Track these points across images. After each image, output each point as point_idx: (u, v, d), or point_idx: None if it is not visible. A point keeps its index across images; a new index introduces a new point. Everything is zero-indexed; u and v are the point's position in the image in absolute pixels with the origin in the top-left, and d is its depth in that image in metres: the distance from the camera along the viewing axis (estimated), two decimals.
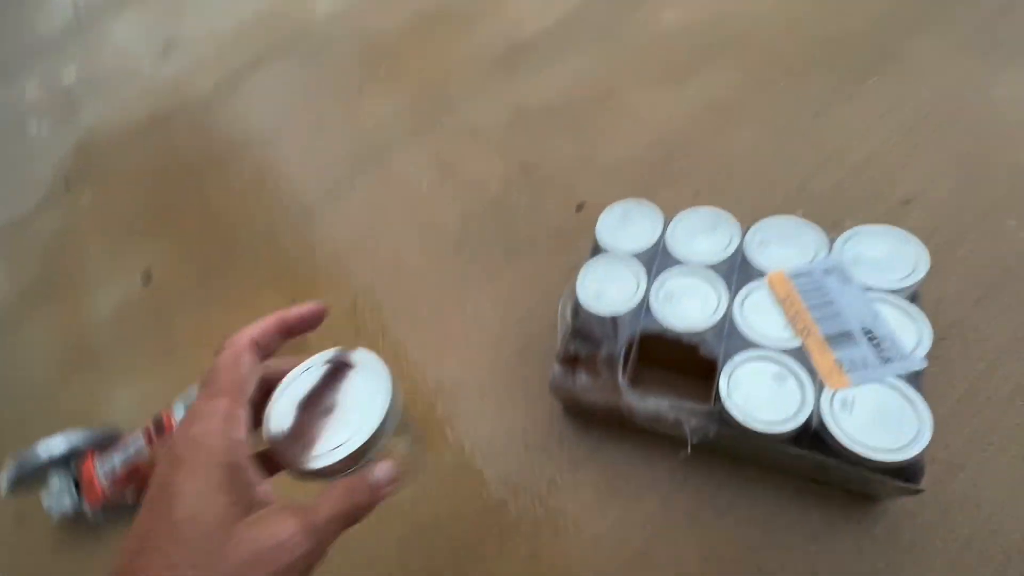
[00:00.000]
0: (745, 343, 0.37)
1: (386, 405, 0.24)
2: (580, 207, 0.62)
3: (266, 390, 0.26)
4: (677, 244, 0.43)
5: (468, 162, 0.73)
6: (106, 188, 1.01)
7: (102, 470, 0.52)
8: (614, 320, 0.41)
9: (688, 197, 0.58)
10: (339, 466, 0.23)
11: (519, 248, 0.62)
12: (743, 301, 0.39)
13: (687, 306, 0.40)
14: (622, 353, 0.40)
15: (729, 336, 0.38)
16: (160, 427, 0.53)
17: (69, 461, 0.54)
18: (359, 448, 0.23)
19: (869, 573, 0.36)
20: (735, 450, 0.40)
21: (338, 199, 0.76)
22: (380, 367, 0.26)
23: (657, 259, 0.44)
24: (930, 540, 0.36)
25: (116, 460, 0.52)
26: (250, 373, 0.24)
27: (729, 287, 0.40)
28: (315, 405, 0.25)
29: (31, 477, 0.52)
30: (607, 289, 0.43)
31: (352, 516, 0.23)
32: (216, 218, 0.84)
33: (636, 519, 0.42)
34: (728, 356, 0.37)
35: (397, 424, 0.25)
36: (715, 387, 0.36)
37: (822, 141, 0.58)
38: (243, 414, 0.23)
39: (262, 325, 0.26)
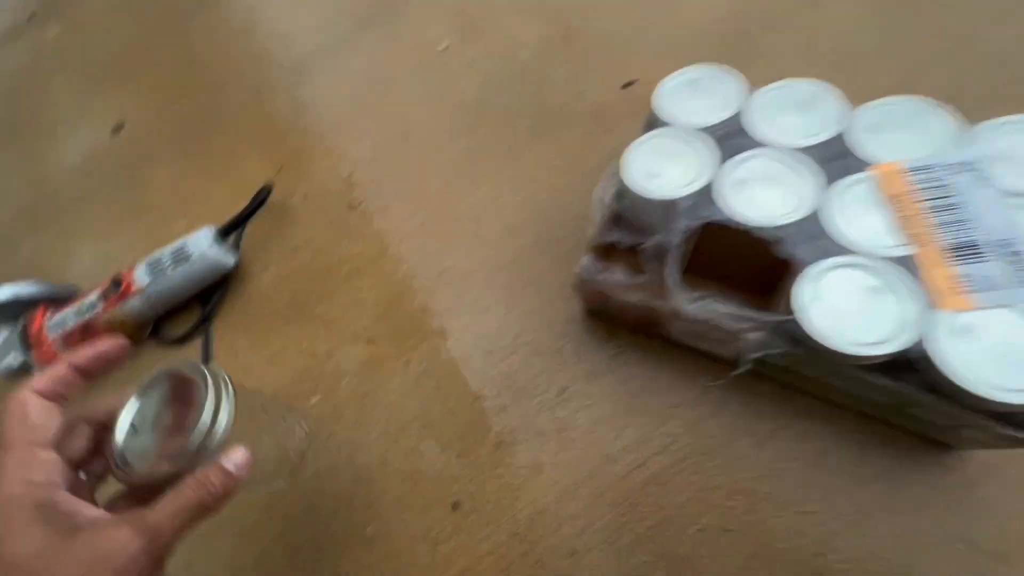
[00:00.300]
0: (836, 246, 0.29)
1: (211, 408, 0.26)
2: (628, 84, 0.51)
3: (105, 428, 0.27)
4: (761, 121, 0.34)
5: (498, 22, 0.61)
6: (77, 24, 0.88)
7: (52, 325, 0.46)
8: (669, 206, 0.33)
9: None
10: (168, 469, 0.25)
11: (548, 125, 0.52)
12: (840, 195, 0.31)
13: (765, 196, 0.32)
14: (675, 246, 0.32)
15: (816, 237, 0.30)
16: (118, 285, 0.46)
17: (18, 315, 0.47)
18: (185, 450, 0.25)
19: (930, 528, 0.31)
20: (792, 375, 0.34)
21: (339, 56, 0.65)
22: (207, 373, 0.27)
23: (732, 138, 0.34)
24: (1011, 500, 0.31)
25: (69, 316, 0.46)
26: (44, 418, 0.25)
27: (823, 177, 0.31)
28: (154, 425, 0.27)
29: None
30: (664, 169, 0.34)
31: (197, 509, 0.24)
32: (199, 69, 0.72)
33: (657, 442, 0.36)
34: (812, 261, 0.29)
35: (231, 424, 0.26)
36: (788, 296, 0.29)
37: (955, 13, 0.47)
38: (43, 457, 0.24)
39: (50, 373, 0.26)
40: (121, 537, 0.22)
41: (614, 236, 0.35)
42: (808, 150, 0.33)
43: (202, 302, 0.51)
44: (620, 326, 0.40)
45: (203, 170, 0.62)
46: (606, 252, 0.35)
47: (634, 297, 0.34)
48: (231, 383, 0.28)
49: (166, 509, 0.24)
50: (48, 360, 0.46)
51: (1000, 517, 0.31)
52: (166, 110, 0.70)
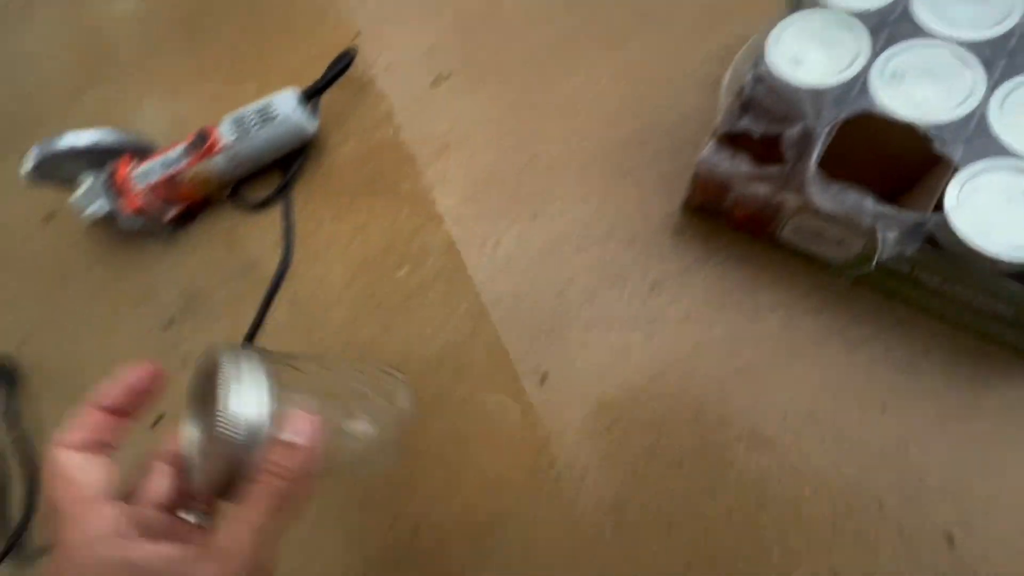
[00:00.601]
0: (995, 147, 0.28)
1: (227, 388, 0.21)
2: None
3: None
4: (926, 7, 0.32)
5: None
6: None
7: (138, 175, 0.45)
8: (816, 95, 0.31)
9: None
10: (223, 472, 0.21)
11: (655, 13, 0.48)
12: (1007, 96, 0.29)
13: (924, 91, 0.30)
14: (820, 137, 0.30)
15: (974, 137, 0.29)
16: (203, 140, 0.45)
17: (101, 163, 0.47)
18: (227, 455, 0.21)
19: (1014, 439, 0.32)
20: (901, 282, 0.34)
21: None
22: (221, 351, 0.23)
23: (890, 25, 0.32)
24: None
25: (155, 167, 0.46)
26: (85, 471, 0.22)
27: (990, 74, 0.30)
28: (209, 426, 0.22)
29: (56, 166, 0.46)
30: (811, 54, 0.32)
31: (271, 507, 0.21)
32: None
33: (749, 336, 0.37)
34: (967, 162, 0.28)
35: (272, 397, 0.22)
36: (932, 196, 0.28)
37: None
38: (98, 511, 0.21)
39: (77, 423, 0.23)
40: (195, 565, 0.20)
41: (744, 124, 0.33)
42: (976, 44, 0.30)
43: (282, 169, 0.50)
44: (723, 223, 0.39)
45: (272, 29, 0.58)
46: (731, 141, 0.34)
47: (758, 190, 0.33)
48: (264, 354, 0.24)
49: (235, 522, 0.21)
50: (135, 209, 0.46)
51: None
52: None
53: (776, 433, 0.35)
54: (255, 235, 0.49)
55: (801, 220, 0.34)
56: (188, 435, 0.24)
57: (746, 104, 0.34)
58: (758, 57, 0.33)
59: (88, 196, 0.46)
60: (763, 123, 0.33)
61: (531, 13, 0.51)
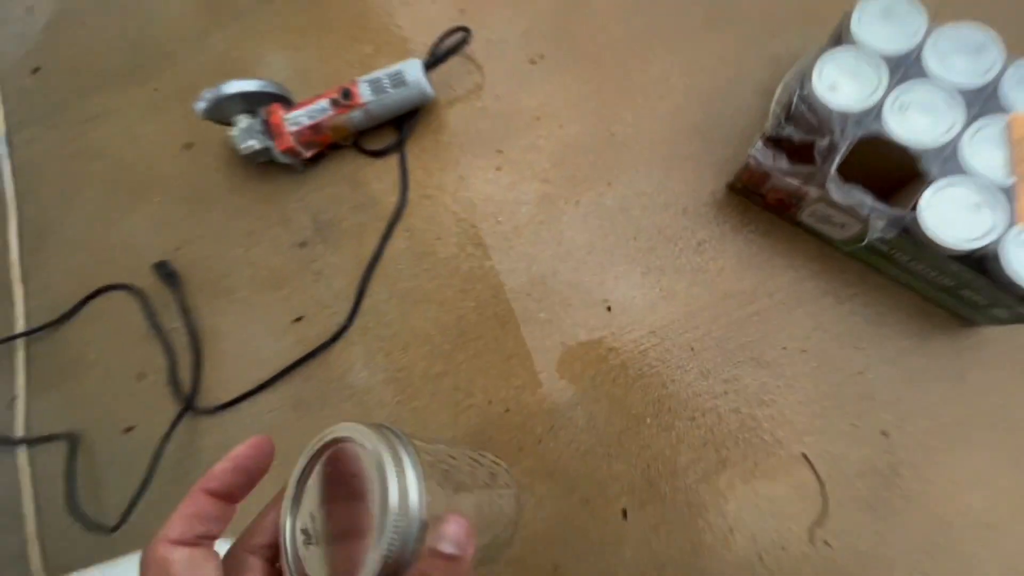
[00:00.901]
0: (959, 169, 0.41)
1: (395, 487, 0.20)
2: None
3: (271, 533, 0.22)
4: (934, 58, 0.43)
5: None
6: None
7: (289, 119, 0.56)
8: (844, 116, 0.43)
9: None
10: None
11: (721, 19, 0.58)
12: (977, 131, 0.41)
13: (919, 122, 0.42)
14: (842, 148, 0.42)
15: (948, 159, 0.41)
16: (347, 96, 0.55)
17: (252, 107, 0.57)
18: (392, 551, 0.19)
19: (943, 371, 0.47)
20: (880, 258, 0.47)
21: None
22: (374, 435, 0.21)
23: (905, 66, 0.43)
24: (1002, 361, 0.46)
25: (302, 115, 0.56)
26: (193, 571, 0.20)
27: (969, 113, 0.41)
28: (327, 519, 0.21)
29: (220, 107, 0.56)
30: (844, 84, 0.43)
31: None
32: None
33: (767, 288, 0.50)
34: (939, 177, 0.41)
35: (424, 495, 0.20)
36: (912, 198, 0.41)
37: None
38: None
39: (183, 514, 0.21)
40: None
41: (787, 132, 0.45)
42: (965, 90, 0.42)
43: (397, 124, 0.60)
44: (757, 203, 0.52)
45: (385, 4, 0.66)
46: (775, 142, 0.46)
47: (791, 182, 0.45)
48: (406, 438, 0.22)
49: None
50: (286, 149, 0.56)
51: (986, 367, 0.46)
52: None
53: (774, 359, 0.49)
54: (374, 177, 0.60)
55: (817, 207, 0.46)
56: (292, 527, 0.22)
57: (790, 116, 0.45)
58: (804, 79, 0.44)
59: (245, 134, 0.56)
60: (801, 132, 0.44)
61: (617, 7, 0.60)
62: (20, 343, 0.61)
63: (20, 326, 0.62)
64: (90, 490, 0.56)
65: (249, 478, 0.23)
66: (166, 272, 0.60)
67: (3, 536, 0.56)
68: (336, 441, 0.22)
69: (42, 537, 0.56)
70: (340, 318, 0.56)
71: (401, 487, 0.20)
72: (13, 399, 0.60)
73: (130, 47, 0.71)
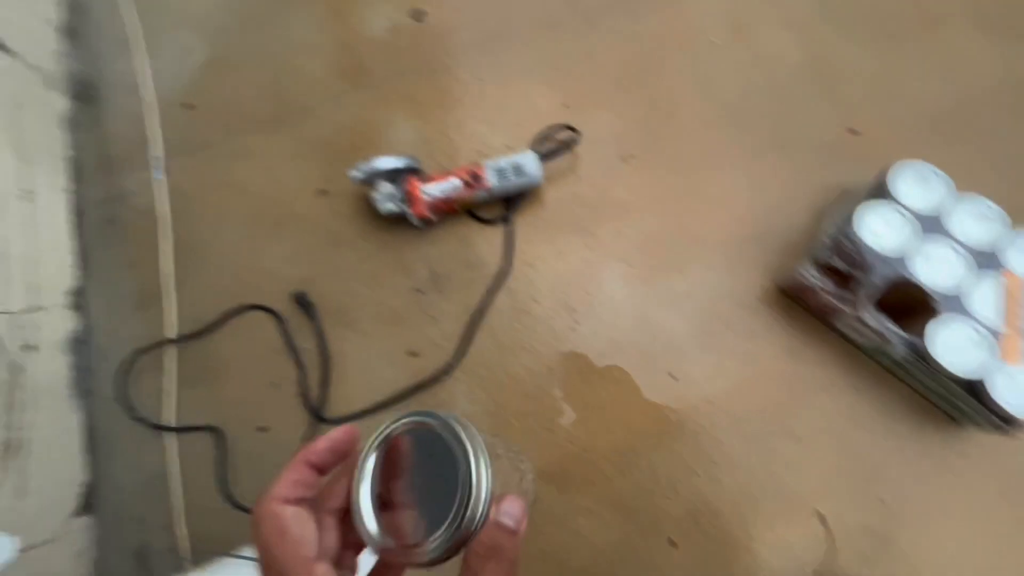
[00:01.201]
0: (965, 311, 0.53)
1: (475, 467, 0.23)
2: (854, 132, 0.69)
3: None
4: (953, 220, 0.55)
5: (767, 32, 0.75)
6: None
7: (425, 192, 0.68)
8: (882, 258, 0.55)
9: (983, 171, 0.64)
10: (456, 544, 0.23)
11: (784, 145, 0.70)
12: (981, 282, 0.54)
13: (939, 270, 0.54)
14: (878, 284, 0.55)
15: (956, 302, 0.54)
16: (477, 180, 0.67)
17: (396, 177, 0.69)
18: (466, 520, 0.23)
19: (941, 464, 0.60)
20: (891, 363, 0.60)
21: (624, 13, 0.78)
22: (445, 422, 0.25)
23: (933, 223, 0.56)
24: (998, 465, 0.59)
25: (437, 189, 0.68)
26: (303, 528, 0.23)
27: (980, 271, 0.54)
28: (399, 488, 0.25)
29: (370, 179, 0.68)
30: (883, 231, 0.56)
31: (512, 570, 0.23)
32: None
33: (802, 375, 0.63)
34: (946, 313, 0.53)
35: (490, 472, 0.24)
36: (924, 328, 0.53)
37: None
38: (322, 573, 0.23)
39: (289, 478, 0.25)
40: None
41: (836, 262, 0.57)
42: (976, 250, 0.55)
43: (505, 199, 0.73)
44: (801, 306, 0.64)
45: (496, 81, 0.78)
46: (825, 268, 0.58)
47: (832, 299, 0.58)
48: (472, 426, 0.25)
49: None
50: (420, 215, 0.69)
51: (969, 461, 0.59)
52: (467, 9, 0.82)
53: (803, 433, 0.62)
54: (484, 241, 0.73)
55: (851, 321, 0.59)
56: (368, 492, 0.25)
57: (837, 249, 0.58)
58: (850, 220, 0.57)
59: (385, 198, 0.69)
60: (846, 265, 0.57)
61: (698, 122, 0.73)
62: (173, 347, 0.74)
63: (172, 328, 0.74)
64: (231, 475, 0.68)
65: (338, 457, 0.26)
66: (304, 302, 0.72)
67: (155, 505, 0.69)
68: (410, 424, 0.25)
69: (188, 511, 0.68)
70: (448, 357, 0.69)
71: (476, 466, 0.23)
72: (162, 393, 0.72)
73: (275, 98, 0.83)
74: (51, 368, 0.71)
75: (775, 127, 0.71)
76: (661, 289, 0.68)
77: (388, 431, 0.26)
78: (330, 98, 0.82)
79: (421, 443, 0.25)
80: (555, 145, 0.71)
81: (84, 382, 0.73)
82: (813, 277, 0.58)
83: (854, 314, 0.57)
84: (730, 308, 0.66)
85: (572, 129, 0.71)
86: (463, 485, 0.23)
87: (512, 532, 0.23)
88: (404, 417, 0.26)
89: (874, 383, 0.62)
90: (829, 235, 0.59)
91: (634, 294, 0.68)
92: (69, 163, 0.81)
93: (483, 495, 0.23)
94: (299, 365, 0.71)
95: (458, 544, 0.23)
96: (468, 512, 0.23)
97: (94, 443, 0.72)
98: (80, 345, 0.74)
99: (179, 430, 0.71)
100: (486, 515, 0.23)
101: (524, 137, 0.75)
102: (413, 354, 0.70)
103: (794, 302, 0.65)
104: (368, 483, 0.25)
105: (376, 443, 0.26)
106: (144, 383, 0.73)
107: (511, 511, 0.23)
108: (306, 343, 0.72)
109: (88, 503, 0.70)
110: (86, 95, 0.85)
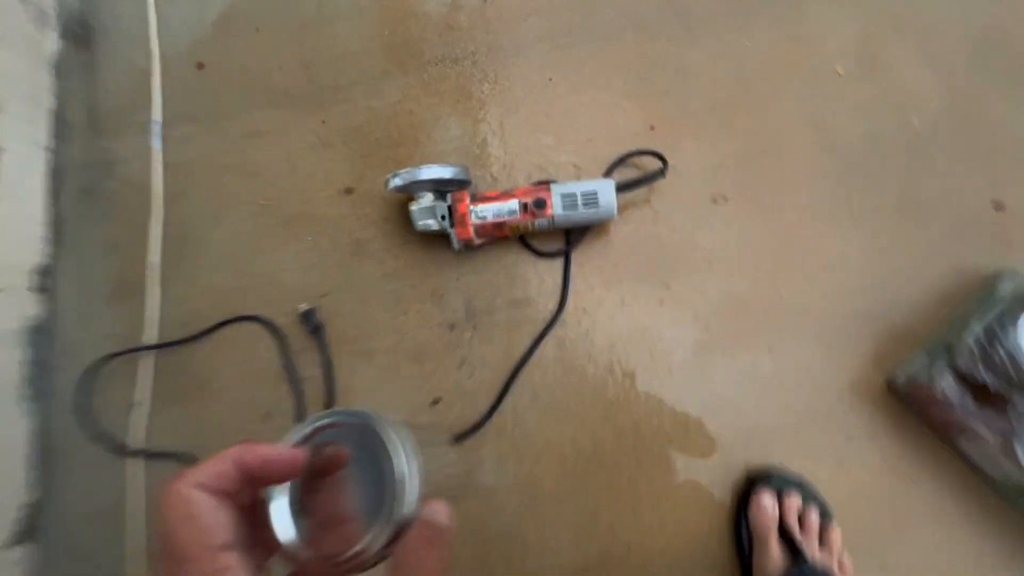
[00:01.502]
0: None
1: (406, 465, 0.24)
2: (999, 206, 0.57)
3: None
4: None
5: (901, 66, 0.62)
6: None
7: (475, 213, 0.56)
8: None
9: None
10: (390, 544, 0.23)
11: (915, 209, 0.58)
12: None
13: None
14: None
15: None
16: (540, 206, 0.55)
17: (444, 192, 0.57)
18: (396, 521, 0.23)
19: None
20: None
21: (730, 29, 0.65)
22: (369, 421, 0.24)
23: None
24: None
25: (490, 211, 0.56)
26: (215, 516, 0.21)
27: None
28: (319, 492, 0.24)
29: (410, 188, 0.56)
30: None
31: (443, 568, 0.23)
32: None
33: (905, 496, 0.52)
34: None
35: (420, 471, 0.24)
36: None
37: None
38: (227, 562, 0.20)
39: (212, 469, 0.22)
40: None
41: (984, 375, 0.46)
42: None
43: (566, 231, 0.60)
44: (917, 413, 0.53)
45: (569, 84, 0.65)
46: (965, 380, 0.47)
47: (968, 421, 0.47)
48: (398, 423, 0.25)
49: None
50: (465, 238, 0.56)
51: None
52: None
53: (894, 564, 0.51)
54: (535, 276, 0.61)
55: (987, 448, 0.47)
56: (287, 492, 0.24)
57: (986, 359, 0.46)
58: (1006, 329, 0.45)
59: (425, 212, 0.57)
60: (1000, 383, 0.45)
61: (808, 166, 0.60)
62: (150, 353, 0.62)
63: (153, 330, 0.62)
64: None
65: (272, 476, 0.23)
66: (313, 323, 0.60)
67: (109, 540, 0.58)
68: (329, 424, 0.25)
69: (148, 553, 0.57)
70: (478, 412, 0.57)
71: (409, 464, 0.24)
72: (132, 406, 0.61)
73: (302, 69, 0.70)
74: (0, 360, 0.59)
75: (903, 186, 0.59)
76: (744, 367, 0.56)
77: (306, 432, 0.25)
78: (368, 79, 0.69)
79: (344, 444, 0.25)
80: (638, 176, 0.58)
81: (40, 382, 0.62)
82: (953, 393, 0.47)
83: (1000, 444, 0.45)
84: (827, 403, 0.55)
85: (661, 158, 0.58)
86: (395, 483, 0.23)
87: (442, 529, 0.23)
88: (319, 419, 0.25)
89: (999, 525, 0.51)
90: (974, 339, 0.47)
91: (708, 368, 0.57)
92: (52, 116, 0.68)
93: (416, 492, 0.24)
94: (298, 395, 0.60)
95: (391, 544, 0.23)
96: (402, 508, 0.23)
97: (45, 457, 0.60)
98: (40, 336, 0.62)
99: (148, 455, 0.60)
100: (416, 513, 0.24)
101: (597, 157, 0.63)
102: (435, 401, 0.58)
103: (907, 406, 0.54)
104: (285, 490, 0.24)
105: (298, 435, 0.25)
106: (112, 392, 0.61)
107: (440, 508, 0.24)
108: (309, 369, 0.60)
109: (29, 529, 0.58)
110: (82, 37, 0.72)
